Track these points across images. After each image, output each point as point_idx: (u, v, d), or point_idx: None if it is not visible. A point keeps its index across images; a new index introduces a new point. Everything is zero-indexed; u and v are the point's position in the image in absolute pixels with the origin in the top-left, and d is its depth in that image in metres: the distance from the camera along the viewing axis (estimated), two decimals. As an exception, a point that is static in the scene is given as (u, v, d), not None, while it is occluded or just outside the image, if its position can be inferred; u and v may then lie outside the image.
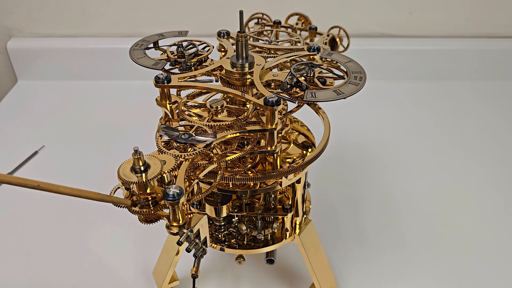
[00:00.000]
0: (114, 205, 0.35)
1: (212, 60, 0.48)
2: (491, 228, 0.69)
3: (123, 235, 0.67)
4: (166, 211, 0.36)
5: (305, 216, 0.54)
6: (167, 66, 0.48)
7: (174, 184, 0.34)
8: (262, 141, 0.44)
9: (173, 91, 0.46)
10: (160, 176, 0.34)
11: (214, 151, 0.42)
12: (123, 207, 0.36)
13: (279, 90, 0.44)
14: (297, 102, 0.43)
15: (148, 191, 0.35)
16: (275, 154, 0.43)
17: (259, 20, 0.64)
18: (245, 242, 0.51)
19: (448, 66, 1.07)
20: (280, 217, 0.52)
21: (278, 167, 0.44)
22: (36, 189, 0.28)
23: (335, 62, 0.48)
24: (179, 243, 0.36)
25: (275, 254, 0.53)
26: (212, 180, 0.42)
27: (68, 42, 1.04)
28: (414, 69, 1.07)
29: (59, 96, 1.02)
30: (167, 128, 0.39)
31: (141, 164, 0.33)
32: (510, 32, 1.07)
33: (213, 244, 0.51)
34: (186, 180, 0.38)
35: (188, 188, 0.40)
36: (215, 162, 0.41)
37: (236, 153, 0.42)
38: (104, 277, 0.61)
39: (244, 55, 0.43)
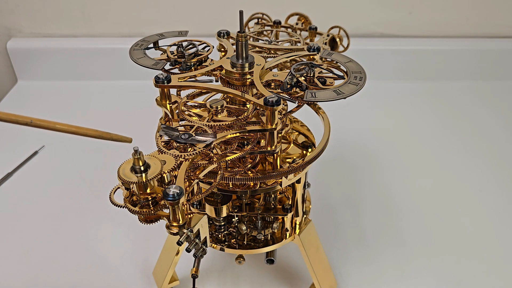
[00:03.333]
0: (114, 140, 0.33)
1: (212, 60, 0.48)
2: (492, 228, 0.69)
3: (123, 235, 0.67)
4: (166, 211, 0.36)
5: (305, 216, 0.54)
6: (167, 66, 0.48)
7: (174, 184, 0.34)
8: (262, 141, 0.44)
9: (173, 91, 0.46)
10: (160, 176, 0.34)
11: (214, 151, 0.42)
12: (123, 207, 0.36)
13: (279, 90, 0.44)
14: (297, 102, 0.43)
15: (148, 191, 0.35)
16: (275, 154, 0.43)
17: (259, 20, 0.64)
18: (245, 242, 0.51)
19: (448, 66, 1.07)
20: (280, 217, 0.52)
21: (278, 167, 0.44)
22: (28, 125, 0.27)
23: (335, 62, 0.48)
24: (179, 243, 0.36)
25: (275, 254, 0.53)
26: (212, 180, 0.42)
27: (68, 42, 1.04)
28: (414, 69, 1.07)
29: (59, 96, 1.02)
30: (167, 128, 0.39)
31: (141, 164, 0.33)
32: (510, 32, 1.07)
33: (213, 244, 0.51)
34: (186, 180, 0.38)
35: (188, 188, 0.40)
36: (215, 162, 0.41)
37: (236, 153, 0.42)
38: (104, 277, 0.61)
39: (244, 55, 0.43)
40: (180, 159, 0.37)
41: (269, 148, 0.42)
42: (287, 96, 0.44)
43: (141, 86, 0.90)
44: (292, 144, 0.52)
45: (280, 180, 0.45)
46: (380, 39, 1.06)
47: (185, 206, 0.36)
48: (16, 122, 0.26)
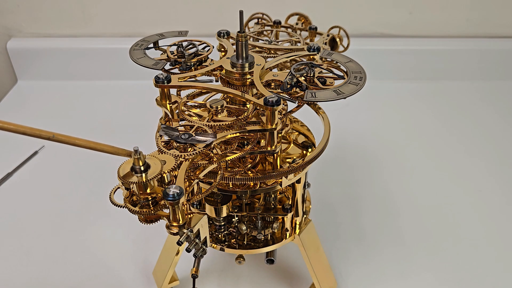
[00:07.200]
0: (130, 156, 0.33)
1: (212, 60, 0.48)
2: (491, 227, 0.69)
3: (123, 235, 0.67)
4: (166, 211, 0.36)
5: (305, 216, 0.54)
6: (167, 66, 0.48)
7: (174, 184, 0.34)
8: (262, 141, 0.44)
9: (173, 91, 0.46)
10: (160, 176, 0.34)
11: (214, 151, 0.42)
12: (123, 207, 0.36)
13: (279, 90, 0.44)
14: (297, 102, 0.43)
15: (148, 191, 0.35)
16: (275, 154, 0.43)
17: (259, 20, 0.64)
18: (245, 242, 0.51)
19: (448, 66, 1.07)
20: (280, 217, 0.52)
21: (278, 167, 0.44)
22: (50, 140, 0.28)
23: (335, 62, 0.48)
24: (179, 243, 0.36)
25: (275, 254, 0.53)
26: (212, 180, 0.42)
27: (68, 42, 1.04)
28: (414, 69, 1.07)
29: (59, 96, 1.02)
30: (167, 128, 0.39)
31: (141, 164, 0.33)
32: (510, 32, 1.07)
33: (213, 244, 0.51)
34: (186, 180, 0.38)
35: (188, 188, 0.40)
36: (215, 162, 0.41)
37: (236, 153, 0.42)
38: (104, 277, 0.61)
39: (244, 55, 0.43)
40: (180, 159, 0.37)
41: (269, 148, 0.42)
42: (287, 96, 0.44)
43: (141, 86, 0.90)
44: (292, 144, 0.52)
45: (280, 180, 0.45)
46: (380, 39, 1.06)
47: (185, 206, 0.36)
48: (39, 136, 0.27)
